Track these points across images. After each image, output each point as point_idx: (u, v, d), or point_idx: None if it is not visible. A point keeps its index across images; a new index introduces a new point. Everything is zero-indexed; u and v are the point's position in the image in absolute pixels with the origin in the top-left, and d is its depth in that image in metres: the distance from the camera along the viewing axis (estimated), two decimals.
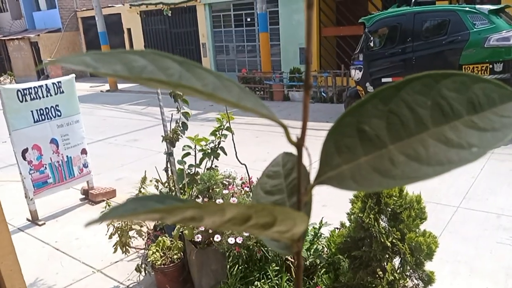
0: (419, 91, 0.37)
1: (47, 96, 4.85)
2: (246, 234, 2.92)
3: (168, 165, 3.85)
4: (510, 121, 0.35)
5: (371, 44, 8.51)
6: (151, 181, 3.86)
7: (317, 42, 12.82)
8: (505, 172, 5.52)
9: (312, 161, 0.39)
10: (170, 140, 3.67)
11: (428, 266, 2.80)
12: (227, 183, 3.44)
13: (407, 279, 2.75)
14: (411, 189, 2.91)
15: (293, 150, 0.40)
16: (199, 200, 3.24)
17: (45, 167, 4.90)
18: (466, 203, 4.70)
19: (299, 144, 0.35)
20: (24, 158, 4.69)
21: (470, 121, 0.36)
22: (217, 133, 3.68)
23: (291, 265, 3.23)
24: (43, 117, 4.83)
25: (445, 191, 5.05)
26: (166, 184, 3.98)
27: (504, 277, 3.39)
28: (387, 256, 2.73)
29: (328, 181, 0.35)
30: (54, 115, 4.94)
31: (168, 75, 0.31)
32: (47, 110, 4.88)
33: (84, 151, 5.29)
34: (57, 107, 4.96)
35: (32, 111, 4.73)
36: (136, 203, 0.27)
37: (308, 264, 3.21)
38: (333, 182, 0.34)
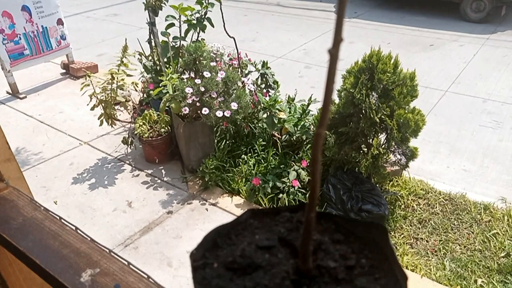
0: None
1: None
2: (234, 108, 2.86)
3: (151, 37, 3.61)
4: None
5: None
6: (133, 53, 3.65)
7: None
8: (498, 58, 5.42)
9: None
10: (152, 8, 3.37)
11: (412, 143, 2.85)
12: (214, 56, 3.28)
13: (391, 154, 2.82)
14: (405, 68, 2.82)
15: None
16: (185, 76, 3.10)
17: (19, 37, 4.57)
18: (454, 88, 4.68)
19: None
20: None
21: None
22: (203, 1, 3.39)
23: (278, 141, 3.26)
24: None
25: (435, 75, 4.99)
26: (150, 58, 3.79)
27: (481, 156, 3.52)
28: (374, 132, 2.75)
29: None
30: None
31: None
32: None
33: (60, 22, 4.91)
34: None
35: None
36: None
37: (294, 139, 3.25)
38: None
